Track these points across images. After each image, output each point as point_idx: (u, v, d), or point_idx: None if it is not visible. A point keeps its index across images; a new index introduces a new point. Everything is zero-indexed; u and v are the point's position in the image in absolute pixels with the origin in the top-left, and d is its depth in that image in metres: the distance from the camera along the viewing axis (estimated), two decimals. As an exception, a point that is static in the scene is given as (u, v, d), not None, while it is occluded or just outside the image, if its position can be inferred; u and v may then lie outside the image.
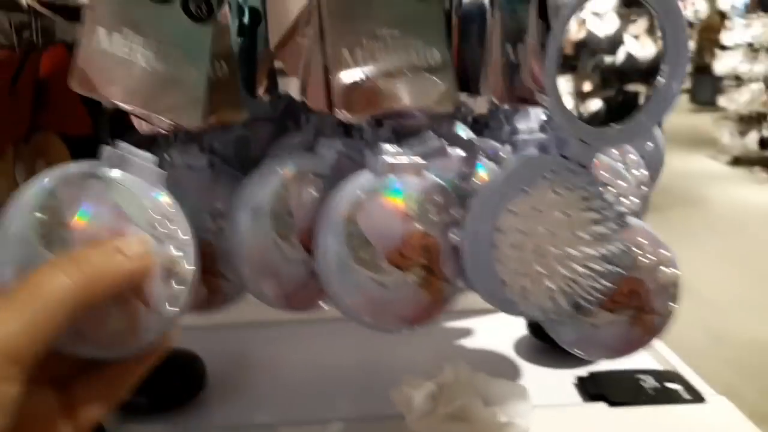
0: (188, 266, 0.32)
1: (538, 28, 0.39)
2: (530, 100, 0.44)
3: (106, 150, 0.33)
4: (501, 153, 0.46)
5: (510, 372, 0.69)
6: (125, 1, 0.34)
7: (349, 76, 0.37)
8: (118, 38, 0.34)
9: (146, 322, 0.31)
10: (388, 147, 0.37)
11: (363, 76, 0.37)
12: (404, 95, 0.38)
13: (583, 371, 0.67)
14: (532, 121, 0.55)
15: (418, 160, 0.38)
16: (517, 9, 0.43)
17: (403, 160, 0.37)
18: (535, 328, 0.72)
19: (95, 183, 0.31)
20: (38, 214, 0.29)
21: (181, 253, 0.32)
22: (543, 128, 0.52)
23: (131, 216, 0.31)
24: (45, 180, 0.31)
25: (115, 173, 0.32)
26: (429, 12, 0.39)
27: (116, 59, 0.33)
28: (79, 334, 0.29)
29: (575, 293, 0.36)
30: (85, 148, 0.49)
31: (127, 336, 0.31)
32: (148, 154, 0.34)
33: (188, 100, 0.35)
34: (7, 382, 0.24)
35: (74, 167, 0.32)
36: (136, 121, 0.40)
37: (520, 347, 0.73)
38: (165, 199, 0.33)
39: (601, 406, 0.61)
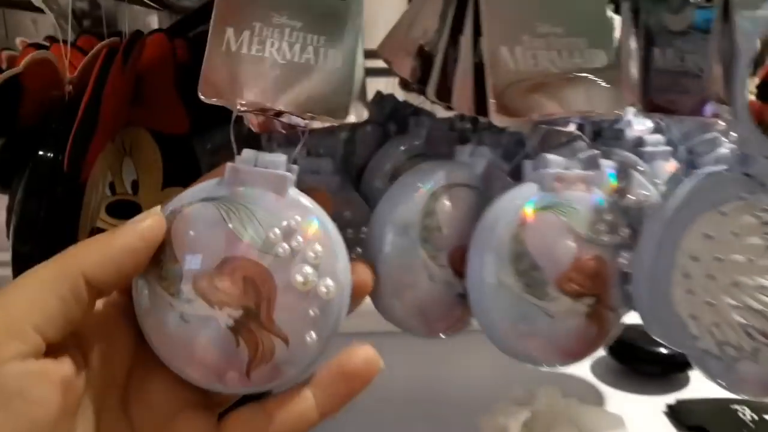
0: (328, 283, 0.27)
1: (719, 29, 0.34)
2: (668, 109, 0.40)
3: (229, 167, 0.28)
4: (640, 167, 0.42)
5: (591, 397, 0.65)
6: None
7: (508, 76, 0.33)
8: (248, 36, 0.30)
9: (284, 356, 0.27)
10: (554, 158, 0.33)
11: (524, 79, 0.33)
12: (568, 100, 0.34)
13: (670, 398, 0.63)
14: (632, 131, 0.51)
15: (585, 171, 0.33)
16: (657, 6, 0.40)
17: (571, 171, 0.33)
18: (614, 349, 0.68)
19: (211, 207, 0.27)
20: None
21: (312, 270, 0.27)
22: (670, 142, 0.49)
23: (247, 237, 0.27)
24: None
25: (235, 193, 0.27)
26: (595, 10, 0.35)
27: (247, 59, 0.29)
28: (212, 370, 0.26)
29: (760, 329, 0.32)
30: (178, 149, 0.45)
31: (264, 372, 0.27)
32: (280, 158, 0.29)
33: (335, 89, 0.31)
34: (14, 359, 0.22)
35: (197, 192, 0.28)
36: (251, 120, 0.36)
37: (598, 370, 0.69)
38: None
39: (701, 440, 0.57)
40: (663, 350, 0.65)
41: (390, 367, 0.69)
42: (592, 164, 0.37)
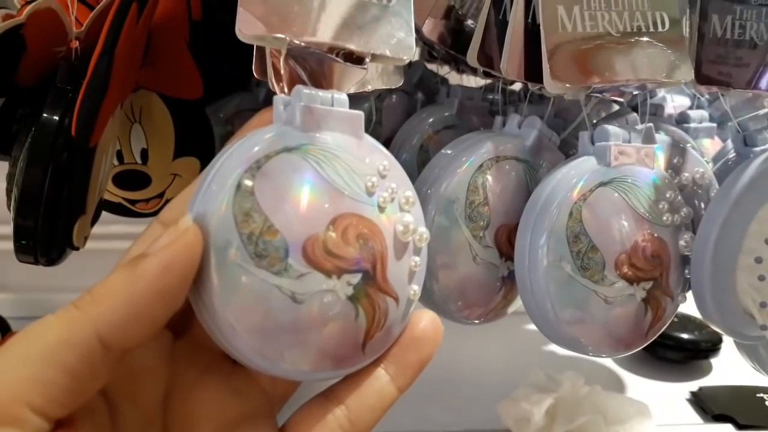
0: (421, 230, 0.23)
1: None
2: (721, 81, 0.37)
3: (302, 107, 0.22)
4: (689, 144, 0.39)
5: (613, 384, 0.62)
6: None
7: (564, 40, 0.30)
8: None
9: (394, 317, 0.23)
10: (614, 129, 0.30)
11: (581, 41, 0.30)
12: (629, 66, 0.30)
13: (694, 386, 0.61)
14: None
15: (647, 145, 0.30)
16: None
17: (634, 145, 0.30)
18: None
19: (298, 159, 0.21)
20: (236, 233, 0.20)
21: (410, 217, 0.23)
22: (711, 118, 0.46)
23: (348, 190, 0.22)
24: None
25: (315, 139, 0.22)
26: (657, -34, 0.32)
27: None
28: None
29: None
30: (191, 115, 0.41)
31: (377, 341, 0.22)
32: (342, 96, 0.23)
33: (397, 24, 0.26)
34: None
35: (268, 143, 0.22)
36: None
37: (617, 355, 0.67)
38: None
39: (728, 429, 0.55)
40: (686, 336, 0.63)
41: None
42: (648, 138, 0.34)
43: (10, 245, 0.32)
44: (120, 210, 0.43)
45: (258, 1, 0.22)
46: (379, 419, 0.23)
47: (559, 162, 0.32)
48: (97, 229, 0.40)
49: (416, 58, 0.48)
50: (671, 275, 0.30)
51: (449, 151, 0.31)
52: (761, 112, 0.41)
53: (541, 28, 0.30)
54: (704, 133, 0.44)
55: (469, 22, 0.41)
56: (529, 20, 0.31)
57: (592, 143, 0.30)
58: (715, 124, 0.44)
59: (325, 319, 0.21)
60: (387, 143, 0.43)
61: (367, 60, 0.24)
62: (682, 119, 0.44)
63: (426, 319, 0.23)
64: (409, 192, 0.23)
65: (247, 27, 0.22)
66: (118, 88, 0.31)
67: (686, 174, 0.35)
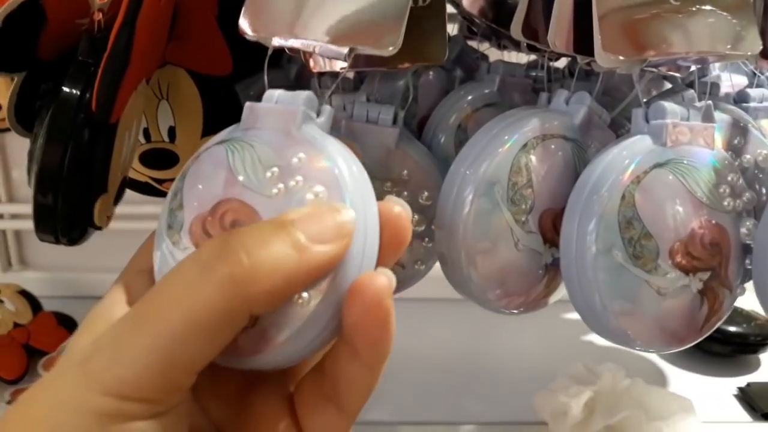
0: None
1: None
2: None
3: (246, 105, 0.24)
4: (750, 124, 0.36)
5: (656, 378, 0.60)
6: None
7: (618, 9, 0.27)
8: None
9: None
10: (671, 106, 0.27)
11: (635, 11, 0.28)
12: (689, 38, 0.28)
13: (741, 381, 0.58)
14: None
15: (707, 123, 0.28)
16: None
17: (692, 123, 0.27)
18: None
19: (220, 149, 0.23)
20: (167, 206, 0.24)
21: None
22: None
23: (243, 178, 0.22)
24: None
25: (243, 134, 0.24)
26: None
27: None
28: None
29: None
30: (220, 92, 0.40)
31: None
32: (299, 95, 0.24)
33: (384, 16, 0.25)
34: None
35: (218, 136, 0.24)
36: (308, 60, 0.31)
37: (659, 347, 0.64)
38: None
39: (777, 427, 0.53)
40: (733, 329, 0.60)
41: (438, 337, 0.65)
42: (707, 117, 0.31)
43: (31, 224, 0.31)
44: (147, 189, 0.42)
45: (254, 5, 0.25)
46: None
47: (610, 141, 0.30)
48: (124, 209, 0.39)
49: (455, 32, 0.46)
50: (731, 265, 0.28)
51: (491, 129, 0.29)
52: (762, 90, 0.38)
53: (592, -3, 0.28)
54: (765, 113, 0.40)
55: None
56: (578, -9, 0.29)
57: (647, 121, 0.28)
58: (774, 104, 0.41)
59: None
60: (423, 122, 0.41)
61: (344, 54, 0.25)
62: (740, 98, 0.41)
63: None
64: (321, 188, 0.21)
65: (243, 26, 0.25)
66: (141, 62, 0.30)
67: (748, 156, 0.32)
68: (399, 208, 0.21)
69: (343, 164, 0.22)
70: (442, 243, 0.30)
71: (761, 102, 0.41)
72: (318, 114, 0.24)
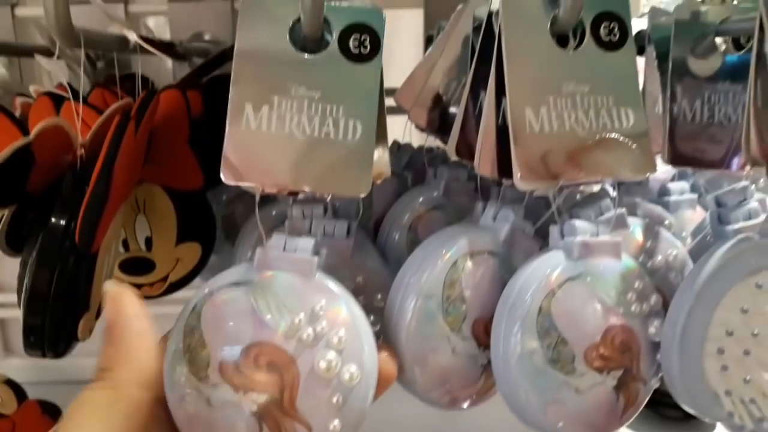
0: (352, 369, 0.27)
1: (754, 80, 0.33)
2: (694, 160, 0.39)
3: (258, 252, 0.28)
4: (667, 221, 0.41)
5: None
6: (273, 62, 0.30)
7: (533, 139, 0.32)
8: (267, 111, 0.29)
9: None
10: (581, 224, 0.32)
11: (548, 140, 0.32)
12: (596, 164, 0.32)
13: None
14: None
15: (614, 238, 0.32)
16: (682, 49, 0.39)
17: (600, 238, 0.32)
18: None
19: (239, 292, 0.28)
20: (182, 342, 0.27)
21: (336, 356, 0.27)
22: (694, 187, 0.47)
23: (272, 322, 0.27)
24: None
25: (261, 278, 0.28)
26: (621, 63, 0.34)
27: (267, 138, 0.29)
28: None
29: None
30: (193, 203, 0.44)
31: None
32: (307, 243, 0.29)
33: (355, 164, 0.30)
34: None
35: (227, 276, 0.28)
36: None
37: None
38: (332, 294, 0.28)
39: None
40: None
41: (412, 413, 0.68)
42: (619, 223, 0.36)
43: (19, 313, 0.34)
44: (126, 293, 0.45)
45: (236, 150, 0.28)
46: None
47: (534, 251, 0.34)
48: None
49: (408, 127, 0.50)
50: (642, 362, 0.32)
51: (429, 245, 0.33)
52: (738, 185, 0.43)
53: (509, 129, 0.32)
54: (685, 205, 0.45)
55: (453, 109, 0.44)
56: (500, 119, 0.33)
57: (562, 236, 0.32)
58: (696, 195, 0.46)
59: (229, 426, 0.27)
60: (378, 223, 0.45)
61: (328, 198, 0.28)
62: (662, 192, 0.46)
63: None
64: (344, 332, 0.27)
65: (227, 176, 0.28)
66: (119, 197, 0.34)
67: (659, 257, 0.36)
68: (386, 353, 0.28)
69: (355, 309, 0.28)
70: (389, 345, 0.33)
71: (681, 194, 0.46)
72: (317, 253, 0.29)
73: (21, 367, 0.72)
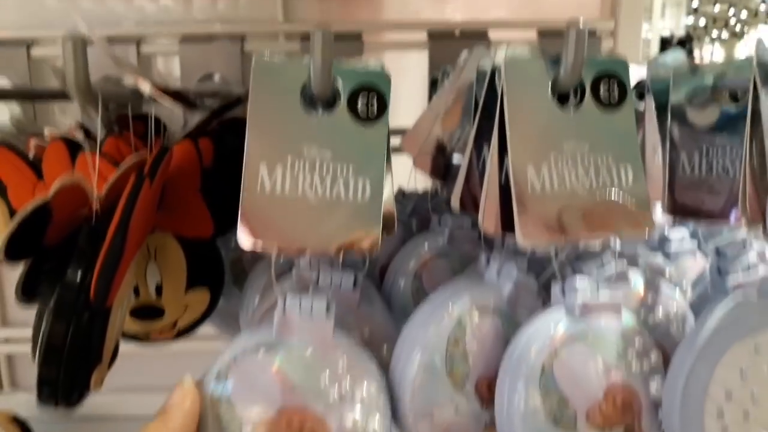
0: (376, 423, 0.28)
1: (750, 133, 0.34)
2: (693, 212, 0.40)
3: (278, 316, 0.30)
4: (667, 271, 0.42)
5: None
6: (285, 123, 0.31)
7: (534, 198, 0.33)
8: (281, 171, 0.30)
9: None
10: (582, 283, 0.32)
11: (550, 199, 0.33)
12: (597, 222, 0.33)
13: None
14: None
15: (615, 296, 0.33)
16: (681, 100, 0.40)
17: (600, 297, 0.32)
18: None
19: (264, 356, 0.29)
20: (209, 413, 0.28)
21: (362, 413, 0.28)
22: (694, 234, 0.48)
23: (300, 386, 0.29)
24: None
25: (283, 343, 0.30)
26: (620, 121, 0.35)
27: (281, 200, 0.30)
28: None
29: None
30: (203, 251, 0.45)
31: None
32: (322, 304, 0.31)
33: (364, 222, 0.31)
34: None
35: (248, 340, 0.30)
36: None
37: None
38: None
39: None
40: None
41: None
42: (621, 278, 0.36)
43: (27, 348, 0.35)
44: (136, 339, 0.46)
45: (252, 213, 0.29)
46: None
47: (537, 307, 0.35)
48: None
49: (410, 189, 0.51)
50: (644, 419, 0.32)
51: (432, 301, 0.34)
52: (738, 236, 0.43)
53: (511, 187, 0.33)
54: (685, 253, 0.46)
55: (457, 157, 0.45)
56: (503, 177, 0.34)
57: (563, 294, 0.33)
58: (695, 243, 0.47)
59: None
60: (383, 270, 0.45)
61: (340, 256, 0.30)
62: (662, 240, 0.46)
63: None
64: (367, 384, 0.27)
65: (245, 241, 0.29)
66: (133, 252, 0.35)
67: (660, 311, 0.37)
68: None
69: (371, 361, 0.30)
70: (393, 399, 0.34)
71: (681, 242, 0.47)
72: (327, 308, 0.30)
73: (28, 402, 0.72)
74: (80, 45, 0.32)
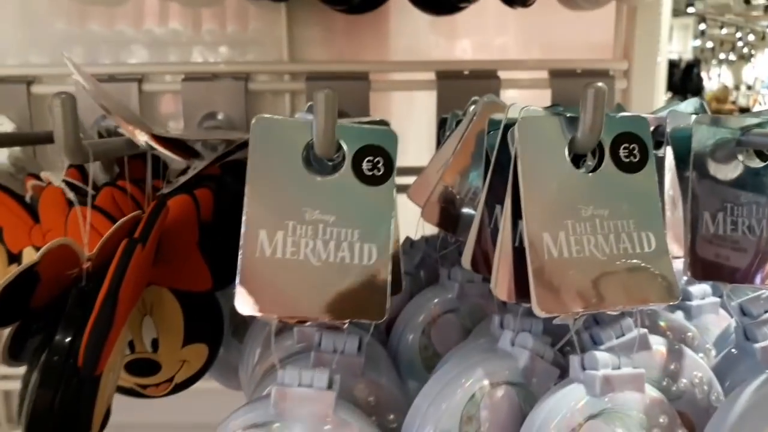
0: None
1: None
2: (717, 273, 0.38)
3: (275, 390, 0.28)
4: (690, 333, 0.40)
5: None
6: (286, 186, 0.30)
7: (552, 267, 0.31)
8: (282, 237, 0.29)
9: None
10: (602, 356, 0.30)
11: (568, 268, 0.31)
12: (618, 292, 0.31)
13: None
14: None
15: (637, 369, 0.31)
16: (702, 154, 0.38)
17: (622, 371, 0.30)
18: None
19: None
20: None
21: None
22: (715, 287, 0.46)
23: None
24: None
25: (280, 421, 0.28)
26: (641, 185, 0.33)
27: (282, 265, 0.29)
28: None
29: None
30: (201, 305, 0.43)
31: None
32: (322, 375, 0.29)
33: (371, 289, 0.29)
34: None
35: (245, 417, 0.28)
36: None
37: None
38: None
39: None
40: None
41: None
42: (642, 345, 0.34)
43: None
44: (131, 393, 0.44)
45: (251, 278, 0.28)
46: None
47: (554, 378, 0.33)
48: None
49: (417, 237, 0.49)
50: (669, 502, 0.30)
51: (444, 375, 0.32)
52: (763, 294, 0.41)
53: (527, 254, 0.31)
54: (708, 309, 0.44)
55: (465, 210, 0.43)
56: (517, 242, 0.32)
57: (583, 368, 0.31)
58: (718, 299, 0.44)
59: None
60: (390, 324, 0.44)
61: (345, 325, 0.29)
62: (683, 296, 0.44)
63: None
64: None
65: (243, 308, 0.28)
66: (124, 318, 0.33)
67: (684, 380, 0.35)
68: None
69: None
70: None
71: (703, 298, 0.45)
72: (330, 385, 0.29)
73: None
74: (69, 104, 0.30)
